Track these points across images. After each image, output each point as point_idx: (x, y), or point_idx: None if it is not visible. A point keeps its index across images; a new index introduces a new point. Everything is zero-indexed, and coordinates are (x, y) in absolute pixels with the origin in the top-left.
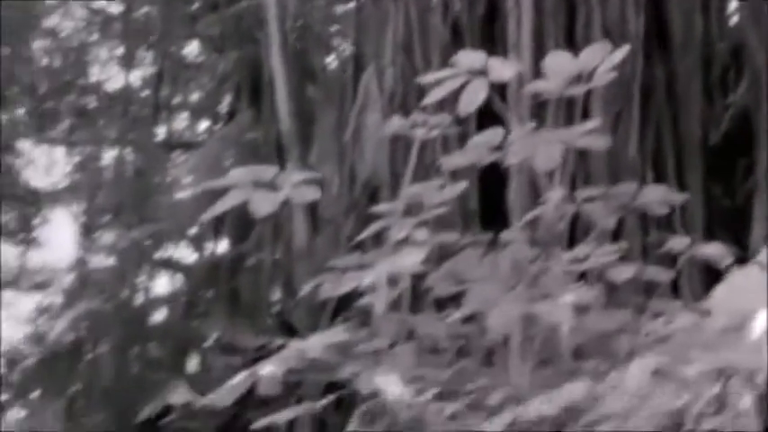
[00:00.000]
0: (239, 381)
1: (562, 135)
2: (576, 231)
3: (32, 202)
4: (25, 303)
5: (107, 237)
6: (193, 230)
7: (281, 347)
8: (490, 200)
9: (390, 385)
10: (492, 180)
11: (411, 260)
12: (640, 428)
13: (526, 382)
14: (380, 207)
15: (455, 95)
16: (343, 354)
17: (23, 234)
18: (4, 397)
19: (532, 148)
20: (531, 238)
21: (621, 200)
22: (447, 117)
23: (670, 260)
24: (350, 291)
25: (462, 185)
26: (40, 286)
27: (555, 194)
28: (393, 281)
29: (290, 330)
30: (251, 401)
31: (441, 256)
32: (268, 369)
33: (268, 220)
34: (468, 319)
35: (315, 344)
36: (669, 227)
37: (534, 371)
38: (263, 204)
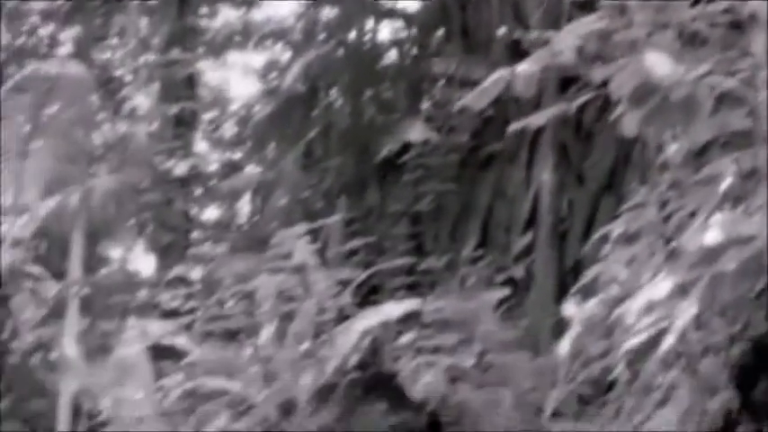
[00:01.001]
0: (494, 80)
1: None
2: None
3: None
4: (253, 61)
5: None
6: None
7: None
8: None
9: (659, 64)
10: None
11: None
12: None
13: None
14: None
15: None
16: (598, 47)
17: None
18: (239, 155)
19: None
20: None
21: None
22: None
23: None
24: None
25: None
26: (267, 41)
27: None
28: None
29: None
30: (489, 132)
31: None
32: (523, 67)
33: None
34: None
35: (569, 34)
36: None
37: None
38: None
